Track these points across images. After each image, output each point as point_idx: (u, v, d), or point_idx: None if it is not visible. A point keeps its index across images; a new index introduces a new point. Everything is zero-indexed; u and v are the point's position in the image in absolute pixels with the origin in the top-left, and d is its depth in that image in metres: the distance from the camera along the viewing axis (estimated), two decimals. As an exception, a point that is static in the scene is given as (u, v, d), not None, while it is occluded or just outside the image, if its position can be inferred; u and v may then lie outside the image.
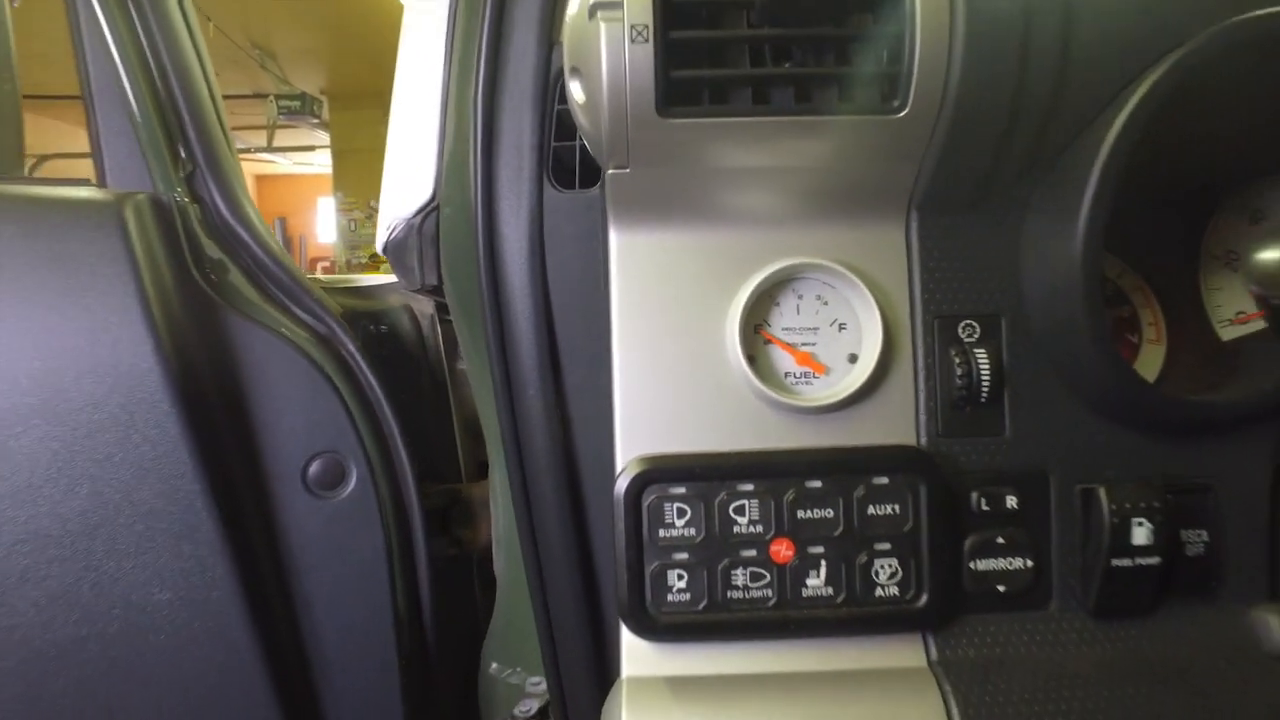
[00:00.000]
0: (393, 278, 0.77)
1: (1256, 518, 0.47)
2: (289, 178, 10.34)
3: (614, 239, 0.47)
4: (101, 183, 0.61)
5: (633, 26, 0.39)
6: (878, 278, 0.47)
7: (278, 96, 6.43)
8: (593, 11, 0.40)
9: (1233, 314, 0.56)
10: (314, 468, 0.62)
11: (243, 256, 0.64)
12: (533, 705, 0.64)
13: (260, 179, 10.64)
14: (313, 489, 0.62)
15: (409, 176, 0.63)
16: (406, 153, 0.64)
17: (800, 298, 0.47)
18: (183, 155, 0.62)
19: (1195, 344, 0.56)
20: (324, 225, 10.62)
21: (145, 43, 0.60)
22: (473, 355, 0.61)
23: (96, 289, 0.53)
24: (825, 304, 0.47)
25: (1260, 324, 0.54)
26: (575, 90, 0.44)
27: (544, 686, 0.62)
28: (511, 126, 0.51)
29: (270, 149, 7.12)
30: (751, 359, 0.46)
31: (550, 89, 0.51)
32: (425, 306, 0.78)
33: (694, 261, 0.47)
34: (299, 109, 6.41)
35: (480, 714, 0.69)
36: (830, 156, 0.43)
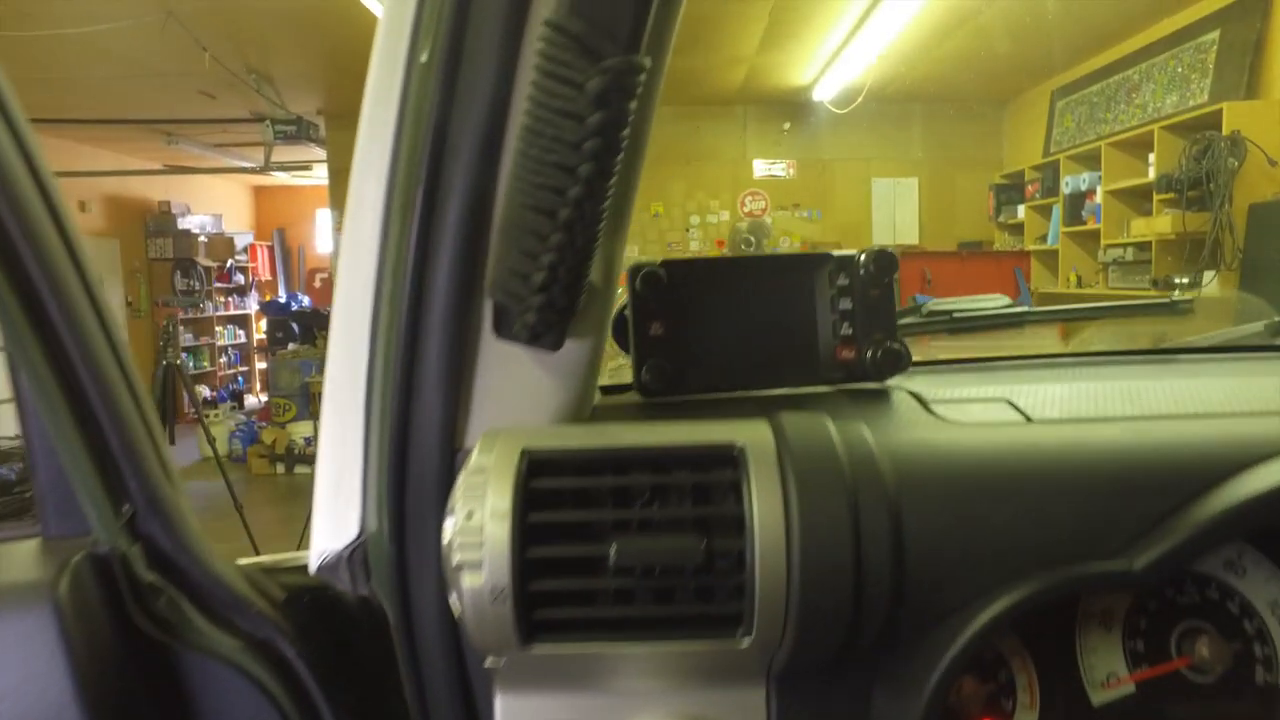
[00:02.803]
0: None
1: None
2: (287, 189, 10.35)
3: (499, 703, 0.51)
4: (46, 531, 0.65)
5: (493, 588, 0.43)
6: None
7: (274, 121, 6.44)
8: (459, 568, 0.43)
9: (1104, 677, 0.59)
10: (253, 785, 0.66)
11: (186, 584, 0.68)
12: None
13: (258, 190, 10.66)
14: (253, 806, 0.66)
15: (337, 516, 0.67)
16: (334, 493, 0.67)
17: None
18: (124, 504, 0.65)
19: (1068, 708, 0.59)
20: (322, 236, 10.68)
21: (78, 405, 0.63)
22: None
23: (36, 672, 0.57)
24: None
25: (1130, 688, 0.58)
26: (456, 583, 0.47)
27: None
28: (416, 517, 0.55)
29: (267, 168, 7.14)
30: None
31: (447, 489, 0.55)
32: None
33: None
34: (295, 133, 6.43)
35: None
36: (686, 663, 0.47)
